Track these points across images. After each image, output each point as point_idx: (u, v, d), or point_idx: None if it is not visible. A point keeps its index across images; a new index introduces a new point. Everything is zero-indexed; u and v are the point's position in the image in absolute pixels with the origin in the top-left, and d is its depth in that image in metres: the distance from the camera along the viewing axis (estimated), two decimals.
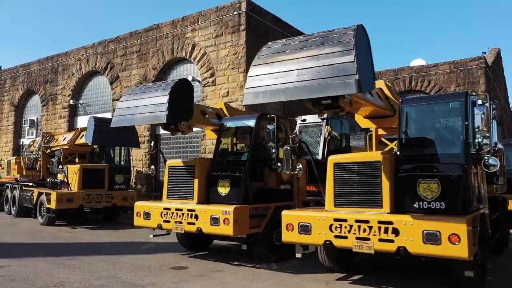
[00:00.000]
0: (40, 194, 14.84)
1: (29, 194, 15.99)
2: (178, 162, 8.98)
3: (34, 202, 15.16)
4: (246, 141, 8.53)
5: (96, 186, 14.33)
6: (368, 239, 6.01)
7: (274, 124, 8.27)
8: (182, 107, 7.98)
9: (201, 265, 8.33)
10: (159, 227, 8.54)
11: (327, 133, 8.73)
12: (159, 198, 8.94)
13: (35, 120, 25.96)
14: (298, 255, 6.94)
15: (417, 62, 27.92)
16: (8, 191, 18.25)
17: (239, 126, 8.69)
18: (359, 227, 6.06)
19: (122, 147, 15.85)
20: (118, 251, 9.80)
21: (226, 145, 9.09)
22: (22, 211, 17.15)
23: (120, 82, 20.82)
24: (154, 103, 7.77)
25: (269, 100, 5.78)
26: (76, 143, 15.15)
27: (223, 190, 8.11)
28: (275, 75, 5.66)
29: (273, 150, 8.18)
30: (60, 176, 14.93)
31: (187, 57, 18.28)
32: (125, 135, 13.86)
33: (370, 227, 6.00)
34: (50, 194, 13.86)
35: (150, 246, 10.62)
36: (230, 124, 8.81)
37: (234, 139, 8.73)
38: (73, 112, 23.62)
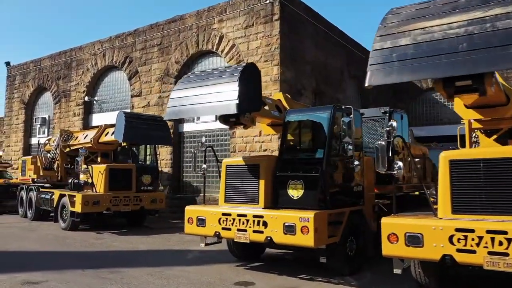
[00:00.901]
0: (61, 196, 13.72)
1: (48, 196, 14.87)
2: (237, 160, 7.85)
3: (54, 205, 14.03)
4: (318, 136, 7.41)
5: (123, 188, 13.22)
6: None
7: (351, 116, 7.16)
8: (250, 96, 6.86)
9: (267, 279, 7.20)
10: (217, 235, 7.42)
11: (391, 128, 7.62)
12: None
13: (47, 118, 24.84)
14: (398, 271, 5.80)
15: None
16: (23, 193, 17.12)
17: (309, 119, 7.56)
18: None
19: (148, 145, 14.73)
20: (163, 262, 8.68)
21: (292, 141, 7.95)
22: (39, 214, 16.03)
23: (139, 77, 19.70)
24: (220, 91, 6.65)
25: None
26: (100, 141, 14.01)
27: (295, 193, 6.99)
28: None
29: (350, 147, 7.07)
30: (82, 177, 13.82)
31: (214, 50, 17.15)
32: (157, 132, 12.74)
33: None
34: (74, 196, 12.75)
35: (195, 255, 9.51)
36: (297, 117, 7.67)
37: (304, 133, 7.60)
38: (88, 109, 22.48)
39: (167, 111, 7.40)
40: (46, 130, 24.83)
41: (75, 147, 15.64)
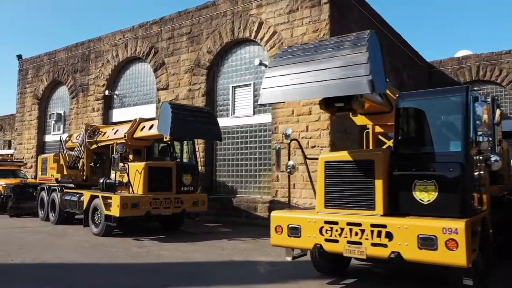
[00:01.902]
0: (93, 198, 12.30)
1: (75, 198, 13.45)
2: (340, 155, 6.40)
3: (84, 208, 12.60)
4: (449, 124, 5.99)
5: (163, 188, 11.80)
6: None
7: (489, 101, 5.73)
8: (378, 71, 5.39)
9: None
10: (318, 248, 5.99)
11: (498, 118, 6.24)
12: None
13: (62, 114, 23.40)
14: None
15: (462, 53, 25.50)
16: (44, 194, 15.69)
17: (435, 104, 6.11)
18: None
19: (185, 141, 13.30)
20: (236, 278, 7.26)
21: (410, 131, 6.49)
22: (63, 218, 14.61)
23: (166, 69, 18.26)
24: (339, 66, 5.18)
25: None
26: (135, 136, 12.57)
27: (424, 196, 5.54)
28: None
29: (486, 139, 5.64)
30: (113, 177, 12.38)
31: (252, 38, 15.71)
32: (206, 125, 11.29)
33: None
34: (109, 198, 11.32)
35: (266, 268, 8.10)
36: (416, 102, 6.20)
37: (425, 122, 6.13)
38: (108, 104, 21.05)
39: (262, 94, 5.91)
40: (61, 126, 23.39)
41: (103, 144, 14.23)
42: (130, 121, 13.64)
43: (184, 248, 9.99)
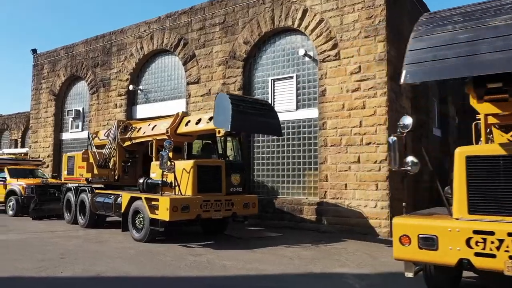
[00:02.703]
0: (133, 199, 11.17)
1: (110, 200, 12.32)
2: (489, 149, 5.21)
3: (123, 210, 11.48)
4: None
5: (212, 189, 10.67)
6: None
7: None
8: None
9: None
10: (464, 264, 4.84)
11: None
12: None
13: (81, 111, 22.26)
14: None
15: None
16: (71, 195, 14.56)
17: None
18: None
19: (229, 137, 12.15)
20: None
21: None
22: (94, 221, 13.49)
23: (197, 61, 17.12)
24: None
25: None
26: (178, 131, 11.43)
27: None
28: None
29: None
30: (155, 176, 11.27)
31: (295, 26, 14.56)
32: (266, 119, 10.13)
33: None
34: (155, 200, 10.20)
35: (359, 283, 6.93)
36: None
37: None
38: (131, 99, 19.91)
39: (406, 71, 4.69)
40: (80, 124, 22.26)
41: (138, 140, 13.10)
42: (164, 116, 12.62)
43: (244, 257, 8.85)
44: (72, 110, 22.15)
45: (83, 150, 14.63)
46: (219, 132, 10.01)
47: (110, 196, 12.51)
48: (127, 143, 13.56)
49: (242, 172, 11.57)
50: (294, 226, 13.84)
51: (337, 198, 13.18)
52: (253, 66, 15.91)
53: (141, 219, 10.78)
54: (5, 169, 18.15)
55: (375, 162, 12.54)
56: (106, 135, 14.78)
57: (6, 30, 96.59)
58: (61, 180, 19.77)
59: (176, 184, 10.44)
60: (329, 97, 13.57)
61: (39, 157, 23.32)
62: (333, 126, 13.42)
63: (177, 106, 17.78)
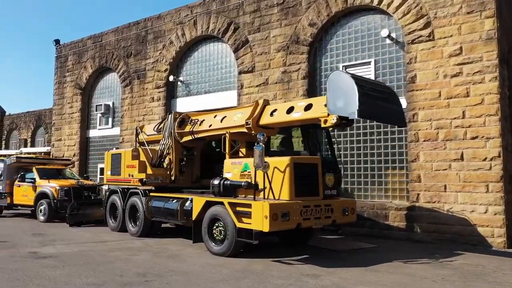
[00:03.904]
0: (210, 205, 9.28)
1: (172, 205, 10.44)
2: None
3: (194, 218, 9.58)
4: None
5: (309, 193, 8.77)
6: None
7: None
8: None
9: None
10: None
11: None
12: None
13: (111, 106, 20.38)
14: None
15: None
16: (117, 198, 12.68)
17: None
18: None
19: (309, 130, 10.24)
20: None
21: None
22: (149, 229, 11.61)
23: (251, 47, 15.23)
24: None
25: None
26: (261, 123, 9.50)
27: None
28: None
29: None
30: (231, 176, 9.37)
31: (374, 4, 12.66)
32: (391, 106, 8.19)
33: None
34: (244, 205, 8.31)
35: None
36: None
37: None
38: (171, 92, 18.03)
39: None
40: (110, 119, 20.39)
41: (203, 135, 11.19)
42: (224, 108, 10.65)
43: (372, 279, 6.96)
44: (101, 105, 20.28)
45: (132, 148, 12.70)
46: (325, 121, 8.08)
47: (173, 200, 10.62)
48: (186, 138, 11.65)
49: (336, 172, 9.67)
50: (377, 234, 11.95)
51: (434, 202, 11.26)
52: (320, 52, 14.02)
53: (222, 228, 8.88)
54: (34, 169, 16.25)
55: (485, 159, 10.63)
56: (156, 129, 12.88)
57: (14, 29, 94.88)
58: (95, 182, 17.99)
59: (265, 186, 8.51)
60: (420, 85, 11.67)
61: (63, 156, 21.44)
62: (427, 117, 11.51)
63: (226, 98, 15.96)
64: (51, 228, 13.42)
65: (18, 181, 16.10)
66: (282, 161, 8.52)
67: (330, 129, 8.54)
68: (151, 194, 11.58)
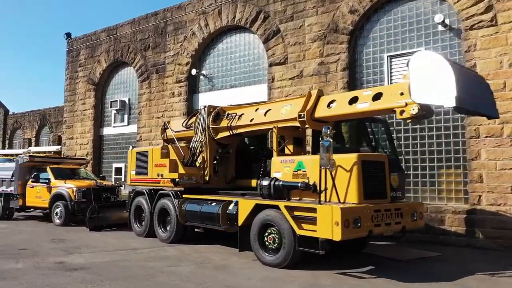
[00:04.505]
0: (259, 208, 8.17)
1: (213, 208, 9.34)
2: None
3: (240, 223, 8.48)
4: None
5: (377, 195, 7.66)
6: None
7: None
8: None
9: None
10: None
11: None
12: None
13: (127, 102, 19.28)
14: None
15: None
16: (143, 200, 11.58)
17: None
18: None
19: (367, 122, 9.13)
20: None
21: None
22: (181, 234, 10.51)
23: (283, 37, 14.12)
24: None
25: None
26: (317, 115, 8.38)
27: None
28: None
29: None
30: (280, 176, 8.27)
31: None
32: (482, 93, 7.08)
33: None
34: (309, 210, 7.21)
35: None
36: None
37: None
38: (192, 87, 16.92)
39: None
40: (125, 116, 19.29)
41: (244, 130, 10.08)
42: (277, 100, 9.54)
43: None
44: (116, 101, 19.18)
45: (161, 145, 11.59)
46: (401, 112, 6.97)
47: (211, 203, 9.52)
48: (222, 134, 10.55)
49: (400, 171, 8.57)
50: (432, 239, 10.83)
51: (499, 205, 10.15)
52: (362, 41, 12.91)
53: (275, 235, 7.78)
54: (48, 169, 15.13)
55: None
56: (185, 125, 11.78)
57: (19, 26, 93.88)
58: (112, 182, 16.92)
59: (326, 186, 7.40)
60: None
61: (75, 155, 20.34)
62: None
63: (254, 93, 14.86)
64: (70, 233, 12.33)
65: (32, 182, 14.99)
66: (348, 159, 7.40)
67: (409, 121, 7.38)
68: (184, 196, 10.47)
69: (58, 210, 14.12)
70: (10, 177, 15.62)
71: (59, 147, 24.47)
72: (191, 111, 16.54)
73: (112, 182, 17.44)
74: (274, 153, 8.89)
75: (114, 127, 19.74)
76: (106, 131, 20.16)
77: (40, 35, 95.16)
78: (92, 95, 20.45)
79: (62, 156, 20.15)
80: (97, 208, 12.91)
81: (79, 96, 21.04)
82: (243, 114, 10.21)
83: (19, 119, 38.38)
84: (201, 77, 16.72)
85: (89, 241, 10.89)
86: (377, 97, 7.57)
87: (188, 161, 10.86)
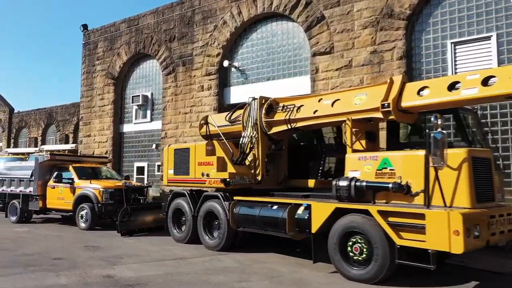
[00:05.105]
0: (340, 213, 6.99)
1: (277, 212, 8.16)
2: None
3: (315, 230, 7.31)
4: None
5: (486, 198, 6.48)
6: None
7: None
8: None
9: None
10: None
11: None
12: None
13: (149, 97, 18.11)
14: None
15: None
16: (183, 202, 10.42)
17: None
18: None
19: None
20: None
21: None
22: (231, 241, 9.34)
23: (328, 25, 12.95)
24: None
25: None
26: (405, 105, 7.21)
27: None
28: None
29: None
30: (359, 175, 7.11)
31: None
32: None
33: None
34: (413, 215, 6.03)
35: None
36: None
37: None
38: (223, 80, 15.76)
39: None
40: (148, 112, 18.13)
41: (305, 124, 8.91)
42: (345, 89, 8.36)
43: None
44: (138, 96, 18.01)
45: (206, 141, 10.41)
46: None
47: (272, 206, 8.35)
48: (278, 128, 9.38)
49: (498, 170, 7.41)
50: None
51: None
52: (421, 27, 11.73)
53: (363, 245, 6.61)
54: (71, 168, 13.96)
55: None
56: (228, 119, 10.63)
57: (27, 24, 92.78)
58: (139, 183, 15.78)
59: (427, 187, 6.23)
60: None
61: (93, 153, 19.17)
62: None
63: (295, 85, 13.74)
64: (100, 238, 11.17)
65: (54, 182, 13.80)
66: (456, 155, 6.22)
67: None
68: (234, 198, 9.30)
69: (83, 212, 12.96)
70: (29, 177, 14.45)
71: (73, 145, 23.31)
72: (222, 105, 15.44)
73: (136, 182, 16.27)
74: (348, 149, 7.74)
75: (135, 123, 18.59)
76: (127, 128, 19.00)
77: (40, 35, 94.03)
78: (111, 89, 19.29)
79: (76, 155, 18.96)
80: (129, 211, 11.75)
81: (97, 91, 19.87)
82: (302, 105, 9.04)
83: (25, 118, 37.19)
84: (233, 69, 15.56)
85: (126, 248, 9.72)
86: (486, 80, 6.40)
87: (238, 159, 9.69)
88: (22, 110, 38.43)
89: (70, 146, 23.50)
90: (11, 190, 15.13)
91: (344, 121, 7.99)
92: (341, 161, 10.02)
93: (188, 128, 16.05)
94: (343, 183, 7.20)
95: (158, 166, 17.31)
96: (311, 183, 9.53)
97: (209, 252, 9.29)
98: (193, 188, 10.45)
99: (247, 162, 9.80)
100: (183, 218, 10.58)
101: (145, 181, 15.77)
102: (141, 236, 11.68)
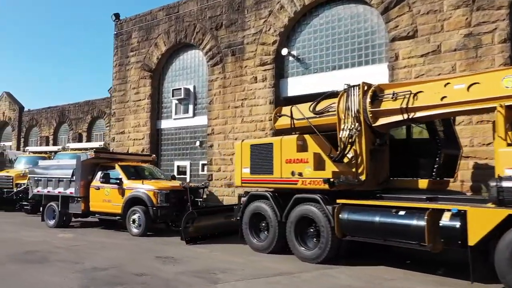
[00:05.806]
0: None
1: (409, 220, 6.73)
2: None
3: (473, 242, 5.88)
4: None
5: None
6: None
7: None
8: None
9: None
10: None
11: None
12: None
13: (192, 90, 16.69)
14: None
15: None
16: (265, 206, 9.01)
17: None
18: None
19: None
20: None
21: None
22: (335, 251, 7.93)
23: (410, 6, 11.53)
24: None
25: None
26: None
27: None
28: None
29: None
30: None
31: None
32: None
33: None
34: None
35: None
36: None
37: None
38: (280, 70, 14.34)
39: None
40: (190, 107, 16.71)
41: (424, 114, 7.50)
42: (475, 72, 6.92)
43: None
44: (179, 89, 16.58)
45: (297, 135, 8.96)
46: None
47: (398, 212, 6.94)
48: (387, 119, 7.98)
49: None
50: None
51: None
52: None
53: None
54: (117, 167, 12.56)
55: None
56: (313, 109, 9.23)
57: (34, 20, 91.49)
58: (195, 183, 14.38)
59: None
60: None
61: (128, 151, 17.75)
62: None
63: (369, 75, 12.10)
64: (166, 247, 9.77)
65: (101, 182, 12.37)
66: None
67: None
68: (338, 201, 7.89)
69: (135, 216, 11.57)
70: (69, 177, 13.06)
71: (101, 143, 21.91)
72: (278, 98, 14.04)
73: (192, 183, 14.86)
74: (502, 143, 6.33)
75: (175, 119, 17.16)
76: (165, 124, 17.58)
77: (40, 35, 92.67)
78: (148, 83, 17.88)
79: (122, 152, 17.50)
80: (196, 215, 10.34)
81: (132, 85, 18.47)
82: (420, 91, 7.62)
83: (36, 116, 35.77)
84: (291, 58, 14.13)
85: (206, 260, 8.34)
86: None
87: (338, 156, 8.28)
88: (33, 109, 37.07)
89: (99, 144, 22.07)
90: (48, 192, 13.73)
91: (489, 108, 6.59)
92: (450, 157, 8.72)
93: (240, 124, 14.65)
94: (508, 184, 5.78)
95: (203, 165, 15.93)
96: (422, 183, 8.19)
97: (308, 265, 7.87)
98: (278, 189, 9.04)
99: (345, 160, 8.40)
100: (263, 224, 9.20)
101: (207, 181, 14.36)
102: (207, 243, 10.28)
